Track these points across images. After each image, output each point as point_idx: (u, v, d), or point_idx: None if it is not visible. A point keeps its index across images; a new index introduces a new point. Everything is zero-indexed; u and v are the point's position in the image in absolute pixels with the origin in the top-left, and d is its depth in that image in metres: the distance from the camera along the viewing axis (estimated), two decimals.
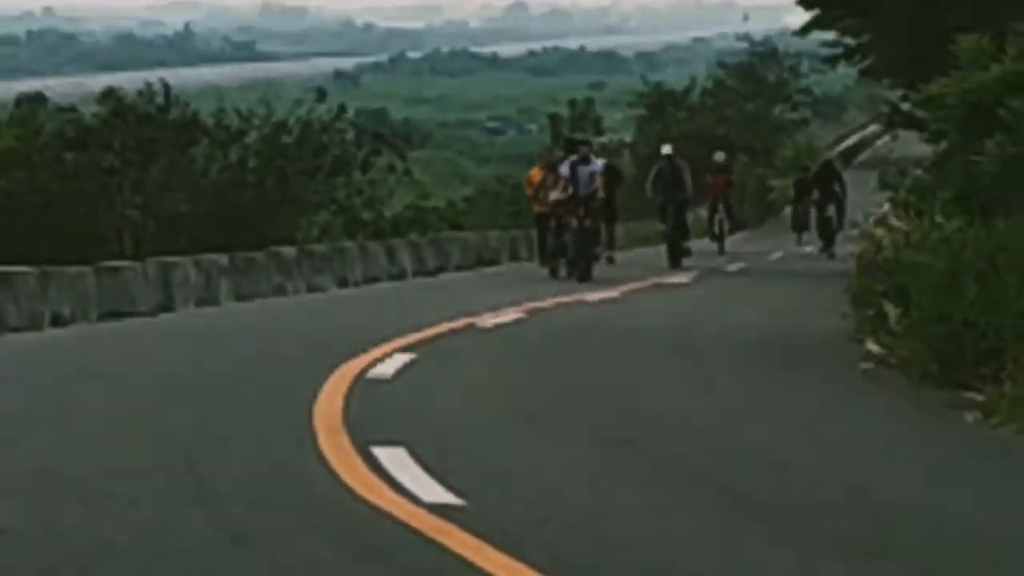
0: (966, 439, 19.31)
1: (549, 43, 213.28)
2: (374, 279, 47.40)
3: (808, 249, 49.90)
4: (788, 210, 54.83)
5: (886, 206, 37.14)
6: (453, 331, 29.47)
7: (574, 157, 42.15)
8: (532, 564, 12.28)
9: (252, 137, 56.15)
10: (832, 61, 50.16)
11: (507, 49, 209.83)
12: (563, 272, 41.68)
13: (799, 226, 51.56)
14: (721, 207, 52.45)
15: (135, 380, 25.06)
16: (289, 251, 46.95)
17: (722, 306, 36.26)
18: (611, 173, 46.36)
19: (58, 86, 73.27)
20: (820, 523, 14.96)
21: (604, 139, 51.69)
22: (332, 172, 57.98)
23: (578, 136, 44.32)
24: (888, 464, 18.28)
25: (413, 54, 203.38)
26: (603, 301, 36.50)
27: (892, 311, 25.13)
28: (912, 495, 16.32)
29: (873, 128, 66.54)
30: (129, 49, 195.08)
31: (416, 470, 15.93)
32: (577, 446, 18.72)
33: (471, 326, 30.40)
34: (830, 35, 48.16)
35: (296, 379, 22.84)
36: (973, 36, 27.27)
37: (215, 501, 15.47)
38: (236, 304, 40.15)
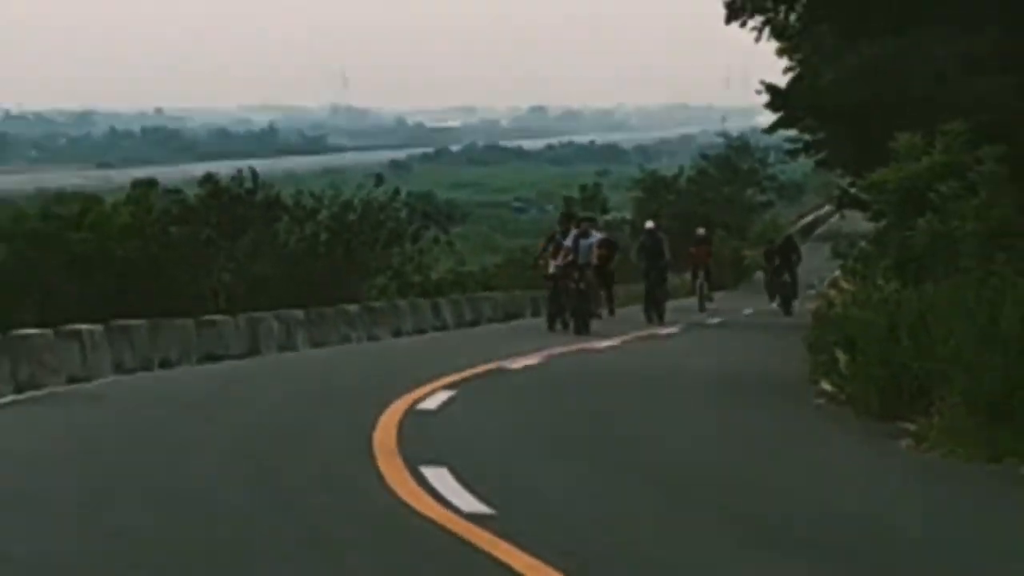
0: (900, 461, 19.30)
1: (564, 138, 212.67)
2: (421, 330, 47.41)
3: (774, 306, 49.78)
4: (759, 274, 54.41)
5: (837, 271, 37.05)
6: (486, 372, 29.47)
7: (575, 231, 41.71)
8: (549, 562, 12.35)
9: (323, 215, 56.18)
10: (794, 154, 50.10)
11: (529, 143, 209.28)
12: (559, 327, 41.07)
13: (772, 289, 51.20)
14: (702, 272, 52.51)
15: (228, 410, 25.11)
16: (353, 307, 46.99)
17: (703, 352, 36.17)
18: (609, 245, 46.51)
19: (166, 173, 73.13)
20: (775, 523, 15.08)
21: (608, 216, 51.75)
22: (388, 243, 58.05)
23: (578, 213, 43.97)
24: (835, 479, 18.40)
25: (454, 147, 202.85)
26: (607, 348, 36.50)
27: (842, 357, 25.10)
28: (852, 504, 16.39)
29: (827, 208, 66.47)
30: (224, 142, 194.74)
31: (456, 486, 15.96)
32: (586, 465, 18.75)
33: (500, 368, 30.40)
34: (792, 133, 48.04)
35: (358, 410, 22.75)
36: (908, 134, 27.37)
37: (294, 508, 15.58)
38: (311, 350, 40.18)
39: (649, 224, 49.27)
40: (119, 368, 32.64)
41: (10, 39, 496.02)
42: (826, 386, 25.56)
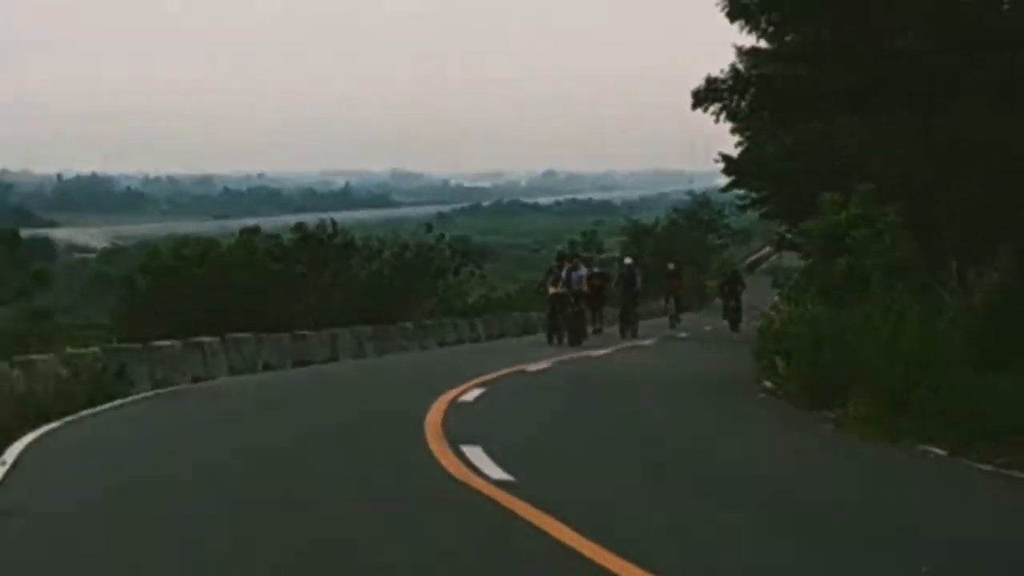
0: (824, 441, 19.31)
1: (569, 196, 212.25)
2: (460, 342, 47.43)
3: (740, 326, 49.63)
4: (717, 301, 54.27)
5: (776, 298, 37.02)
6: (509, 374, 29.51)
7: (569, 265, 41.57)
8: (555, 515, 12.32)
9: (386, 254, 56.14)
10: (743, 208, 50.03)
11: (543, 200, 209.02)
12: (555, 341, 40.28)
13: (724, 312, 51.13)
14: (673, 298, 52.50)
15: (313, 401, 25.27)
16: (409, 324, 47.12)
17: (674, 359, 36.16)
18: (603, 276, 46.42)
19: (267, 222, 73.44)
20: (724, 484, 15.08)
21: (602, 255, 51.76)
22: (435, 276, 58.00)
23: (567, 252, 43.94)
24: (767, 450, 18.55)
25: (485, 203, 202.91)
26: (601, 356, 36.49)
27: (780, 362, 25.13)
28: (785, 471, 16.45)
29: (768, 249, 66.35)
30: (310, 199, 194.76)
31: (487, 459, 15.93)
32: (587, 444, 18.75)
33: (520, 371, 30.46)
34: (742, 191, 47.98)
35: (413, 403, 22.66)
36: (830, 193, 27.42)
37: (367, 479, 15.56)
38: (376, 358, 40.26)
39: (627, 260, 49.34)
40: (232, 370, 32.87)
41: (150, 118, 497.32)
42: (768, 384, 25.61)
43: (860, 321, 22.48)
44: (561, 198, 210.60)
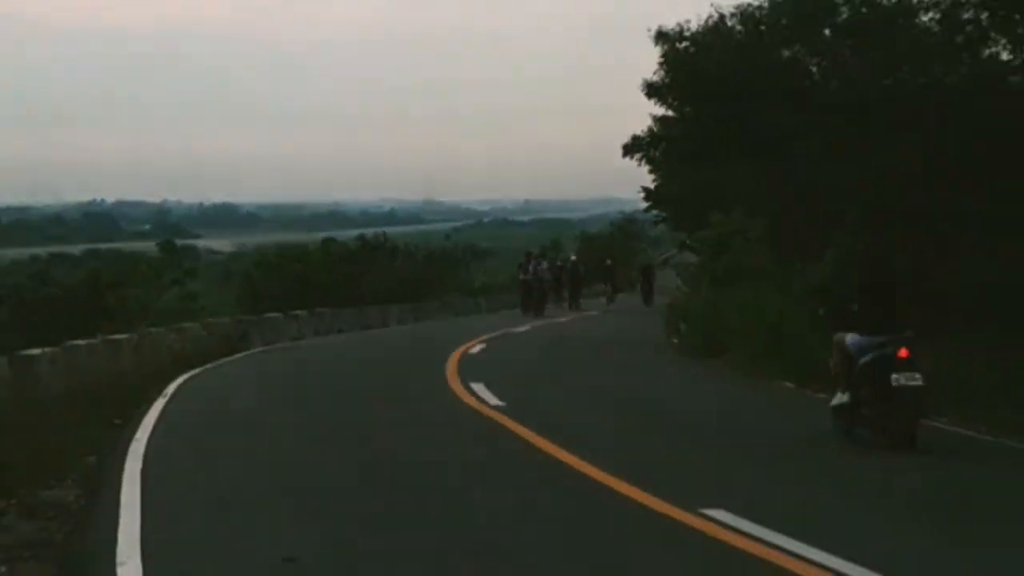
0: (713, 374, 19.34)
1: (542, 216, 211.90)
2: (469, 313, 47.37)
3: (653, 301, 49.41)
4: (638, 286, 53.83)
5: (680, 283, 37.04)
6: (503, 334, 29.54)
7: (533, 260, 40.32)
8: (534, 430, 12.38)
9: (419, 255, 56.20)
10: (657, 223, 49.95)
11: (524, 218, 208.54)
12: (525, 312, 38.86)
13: (644, 292, 50.73)
14: (610, 284, 52.38)
15: (371, 351, 25.26)
16: (436, 302, 47.21)
17: (611, 324, 36.13)
18: (562, 269, 45.78)
19: (339, 235, 73.63)
20: (636, 403, 14.99)
21: (574, 256, 51.55)
22: (452, 268, 58.17)
23: (532, 252, 43.27)
24: (678, 382, 18.30)
25: (486, 220, 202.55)
26: (564, 322, 36.36)
27: (682, 326, 25.19)
28: (678, 395, 16.32)
29: (675, 251, 66.22)
30: (368, 218, 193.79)
31: (487, 392, 15.94)
32: (552, 381, 18.64)
33: (509, 332, 30.50)
34: (656, 212, 47.88)
35: (437, 352, 22.69)
36: (717, 213, 27.40)
37: (405, 403, 15.60)
38: (414, 323, 40.27)
39: (572, 257, 49.21)
40: (316, 333, 32.87)
41: (260, 161, 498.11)
42: (674, 341, 25.64)
43: (736, 301, 22.53)
44: (537, 217, 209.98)
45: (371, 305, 40.40)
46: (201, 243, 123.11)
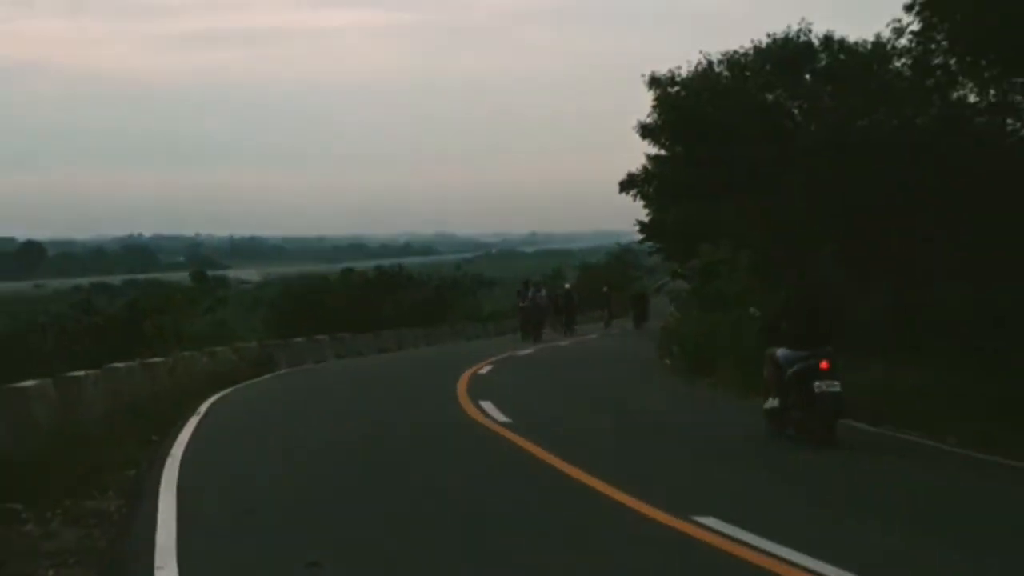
0: (703, 393, 19.30)
1: (545, 247, 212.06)
2: (478, 337, 47.15)
3: (643, 326, 49.28)
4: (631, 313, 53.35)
5: (672, 309, 37.04)
6: (508, 356, 29.54)
7: (533, 288, 39.50)
8: (540, 445, 12.38)
9: (432, 284, 56.13)
10: (651, 254, 49.88)
11: (528, 249, 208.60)
12: (524, 338, 38.15)
13: (636, 319, 50.33)
14: (607, 310, 52.25)
15: (388, 372, 25.19)
16: (447, 328, 47.15)
17: (609, 347, 36.14)
18: (558, 297, 45.51)
19: (358, 265, 73.67)
20: (631, 416, 14.98)
21: (568, 284, 51.26)
22: (462, 296, 58.04)
23: (530, 280, 42.66)
24: (667, 399, 18.35)
25: (493, 251, 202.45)
26: (565, 345, 36.36)
27: (675, 348, 25.17)
28: (666, 408, 16.28)
29: (668, 279, 66.35)
30: (386, 251, 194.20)
31: (495, 409, 15.96)
32: (557, 399, 18.63)
33: (515, 355, 30.49)
34: (651, 244, 47.78)
35: (449, 374, 22.67)
36: (706, 244, 27.42)
37: (421, 420, 15.56)
38: (427, 347, 40.25)
39: (567, 286, 49.06)
40: (337, 356, 32.80)
41: (284, 196, 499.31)
42: (667, 362, 25.62)
43: (723, 324, 22.51)
44: (540, 249, 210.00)
45: (387, 330, 40.36)
46: (231, 273, 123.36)
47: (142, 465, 11.84)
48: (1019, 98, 20.78)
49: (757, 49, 30.83)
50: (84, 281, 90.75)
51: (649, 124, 33.57)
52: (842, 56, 29.02)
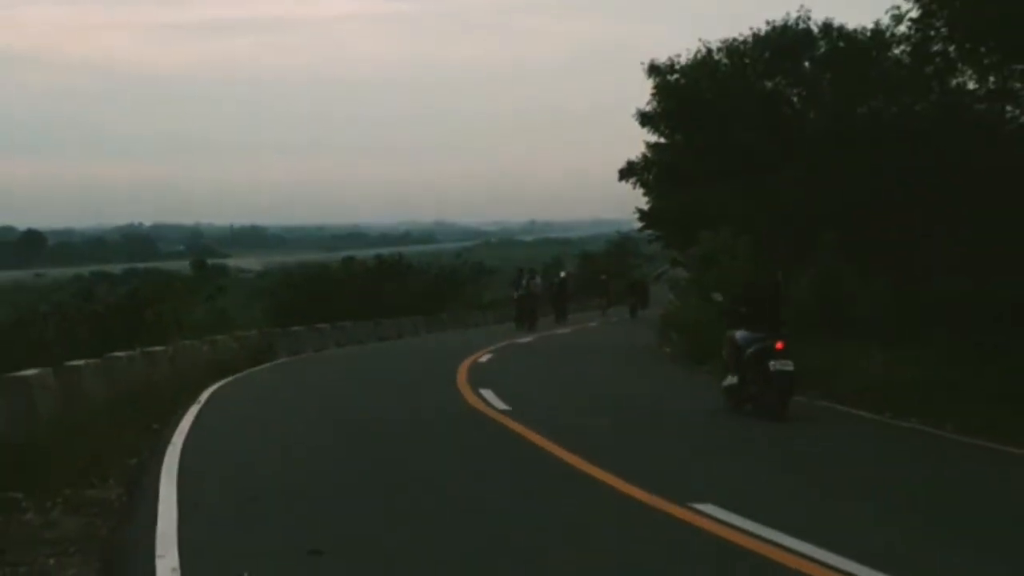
0: (702, 380, 19.23)
1: (545, 236, 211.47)
2: (478, 326, 47.08)
3: (638, 314, 49.26)
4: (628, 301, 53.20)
5: (672, 297, 37.04)
6: (508, 344, 29.58)
7: (527, 276, 39.37)
8: (536, 431, 12.43)
9: (432, 272, 55.94)
10: (651, 241, 49.82)
11: (527, 238, 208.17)
12: (520, 326, 37.88)
13: (631, 305, 50.20)
14: (605, 298, 52.26)
15: (389, 360, 25.25)
16: (446, 316, 47.10)
17: (608, 333, 36.25)
18: (554, 285, 45.32)
19: (359, 253, 73.32)
20: (627, 404, 14.89)
21: (563, 273, 51.05)
22: (462, 284, 57.79)
23: (524, 268, 42.35)
24: (665, 386, 18.39)
25: (493, 240, 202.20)
26: (565, 333, 36.51)
27: (674, 335, 25.20)
28: (677, 396, 16.26)
29: (667, 267, 66.14)
30: (385, 240, 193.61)
31: (495, 397, 16.00)
32: (555, 387, 18.66)
33: (514, 343, 30.53)
34: (650, 231, 47.74)
35: (449, 362, 22.68)
36: (705, 231, 27.37)
37: (422, 408, 15.58)
38: (427, 335, 40.23)
39: (562, 274, 48.89)
40: (337, 344, 32.84)
41: (285, 187, 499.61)
42: (667, 350, 25.67)
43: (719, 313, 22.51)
44: (540, 237, 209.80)
45: (387, 319, 40.34)
46: (231, 262, 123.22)
47: (143, 453, 11.85)
48: (1018, 85, 20.74)
49: (756, 37, 30.77)
50: (84, 270, 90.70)
51: (648, 112, 33.52)
52: (841, 43, 28.95)
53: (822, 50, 29.63)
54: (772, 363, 13.42)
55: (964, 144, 20.84)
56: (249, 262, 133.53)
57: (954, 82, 22.76)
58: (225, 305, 49.55)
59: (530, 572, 6.74)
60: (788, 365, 13.43)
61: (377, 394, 17.53)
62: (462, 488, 9.38)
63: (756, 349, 13.74)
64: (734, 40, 31.24)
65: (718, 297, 16.76)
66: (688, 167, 32.41)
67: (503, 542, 7.42)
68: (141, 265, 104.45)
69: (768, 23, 30.78)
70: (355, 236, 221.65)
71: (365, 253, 73.02)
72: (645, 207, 43.13)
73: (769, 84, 30.51)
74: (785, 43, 30.00)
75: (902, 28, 22.60)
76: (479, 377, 19.34)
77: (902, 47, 24.56)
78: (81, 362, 14.51)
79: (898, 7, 21.10)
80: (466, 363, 22.54)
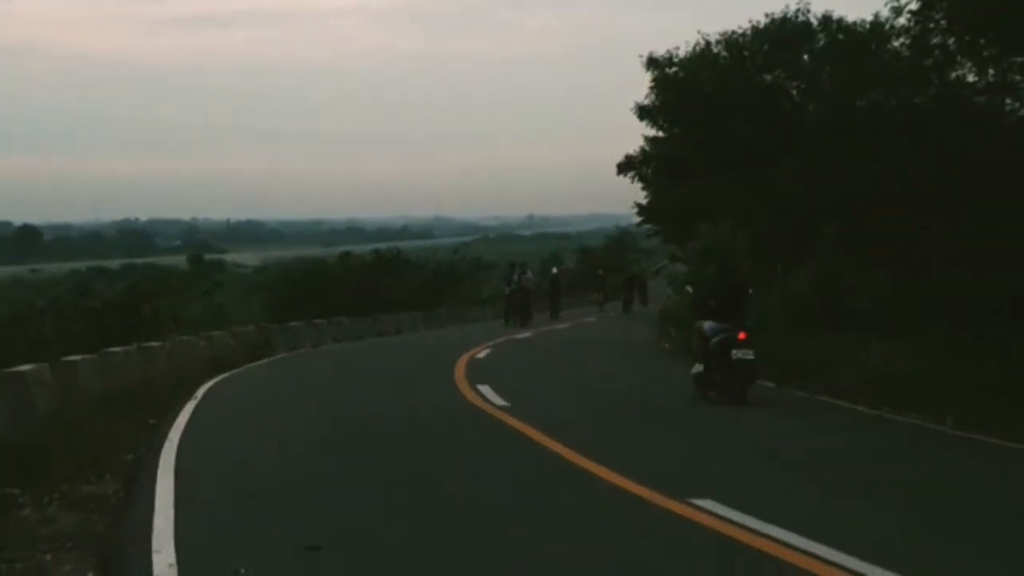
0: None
1: (543, 230, 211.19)
2: (476, 321, 46.95)
3: (633, 310, 49.10)
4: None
5: (671, 291, 37.00)
6: (506, 340, 29.57)
7: (519, 271, 38.89)
8: (534, 426, 12.44)
9: (430, 267, 55.82)
10: (649, 236, 49.72)
11: (526, 233, 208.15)
12: (510, 323, 37.42)
13: (625, 301, 50.07)
14: (602, 293, 52.22)
15: (387, 355, 25.21)
16: (444, 311, 47.02)
17: (604, 328, 36.23)
18: (546, 281, 45.06)
19: (356, 248, 73.11)
20: (628, 393, 14.93)
21: (555, 269, 50.71)
22: (460, 280, 57.69)
23: (516, 262, 42.10)
24: (666, 382, 18.05)
25: (491, 235, 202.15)
26: (563, 328, 36.48)
27: (672, 331, 25.19)
28: (675, 393, 16.03)
29: (666, 261, 66.01)
30: (383, 234, 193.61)
31: (493, 393, 15.98)
32: (553, 383, 18.66)
33: (513, 338, 30.51)
34: (649, 226, 47.72)
35: (447, 358, 22.66)
36: (704, 225, 27.35)
37: (419, 404, 15.54)
38: (425, 331, 40.18)
39: (554, 270, 48.61)
40: (334, 340, 32.76)
41: (282, 179, 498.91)
42: (665, 345, 25.66)
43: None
44: (539, 232, 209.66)
45: (385, 314, 40.30)
46: (228, 257, 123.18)
47: (140, 449, 11.85)
48: (1018, 78, 20.74)
49: (755, 29, 30.71)
50: (81, 265, 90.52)
51: (647, 105, 33.45)
52: (840, 36, 28.91)
53: (821, 43, 29.58)
54: (734, 352, 14.50)
55: (963, 137, 20.85)
56: (246, 257, 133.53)
57: (953, 75, 22.75)
58: (222, 300, 49.56)
59: (528, 568, 6.74)
60: (749, 354, 14.50)
61: (375, 390, 17.50)
62: (460, 484, 9.37)
63: (721, 339, 14.74)
64: (733, 33, 31.19)
65: (690, 290, 17.32)
66: (687, 160, 32.37)
67: (501, 538, 7.42)
68: (138, 260, 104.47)
69: (767, 15, 30.74)
70: (352, 231, 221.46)
71: (363, 248, 72.99)
72: (644, 201, 43.10)
73: (768, 77, 30.47)
74: (784, 36, 29.95)
75: (901, 20, 22.61)
76: (477, 373, 19.33)
77: (901, 40, 24.55)
78: (78, 358, 14.51)
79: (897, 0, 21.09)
80: (464, 359, 22.53)
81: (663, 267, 62.41)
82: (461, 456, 10.87)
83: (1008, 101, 21.83)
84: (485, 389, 16.41)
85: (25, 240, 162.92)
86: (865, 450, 11.51)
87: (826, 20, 29.74)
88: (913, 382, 14.70)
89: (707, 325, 15.14)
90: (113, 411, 13.69)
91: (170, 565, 6.83)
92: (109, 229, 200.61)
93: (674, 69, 32.19)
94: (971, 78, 22.31)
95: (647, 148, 37.94)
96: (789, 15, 30.25)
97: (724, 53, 31.32)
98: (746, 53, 30.83)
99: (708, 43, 31.67)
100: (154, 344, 19.66)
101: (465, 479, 9.62)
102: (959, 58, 21.49)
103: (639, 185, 40.58)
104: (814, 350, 17.80)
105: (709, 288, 15.64)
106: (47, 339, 26.31)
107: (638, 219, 45.52)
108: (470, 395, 15.95)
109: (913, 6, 20.97)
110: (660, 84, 32.31)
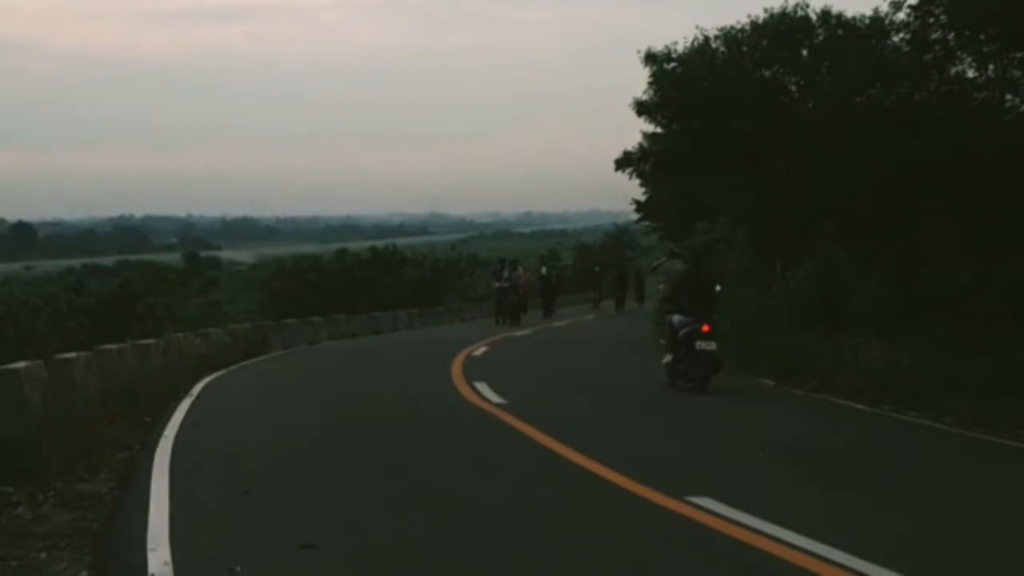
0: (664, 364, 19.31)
1: (541, 228, 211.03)
2: (473, 318, 46.97)
3: (626, 308, 48.88)
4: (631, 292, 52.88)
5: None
6: (504, 338, 29.55)
7: (509, 267, 38.29)
8: (532, 424, 12.42)
9: (426, 264, 55.77)
10: (647, 233, 49.81)
11: (524, 230, 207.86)
12: (501, 321, 36.83)
13: (618, 299, 49.89)
14: (598, 291, 52.11)
15: (383, 354, 25.07)
16: (441, 308, 47.01)
17: (601, 326, 36.19)
18: (540, 281, 45.12)
19: (352, 245, 73.18)
20: (627, 391, 14.99)
21: (544, 269, 50.63)
22: (455, 276, 57.62)
23: (507, 258, 41.71)
24: (661, 379, 18.43)
25: (488, 232, 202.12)
26: (561, 326, 36.44)
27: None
28: (665, 388, 16.04)
29: (664, 257, 65.92)
30: (379, 231, 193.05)
31: (489, 391, 15.95)
32: (550, 381, 18.64)
33: (511, 335, 30.48)
34: (647, 222, 47.77)
35: (444, 355, 22.63)
36: (702, 222, 27.39)
37: (416, 401, 15.52)
38: (422, 328, 40.16)
39: (543, 269, 48.57)
40: (330, 337, 32.75)
41: (279, 176, 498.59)
42: (662, 341, 25.58)
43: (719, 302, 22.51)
44: (536, 229, 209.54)
45: (382, 311, 40.27)
46: (223, 255, 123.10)
47: (135, 447, 11.84)
48: (1018, 73, 20.76)
49: (754, 24, 30.73)
50: (75, 262, 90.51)
51: (645, 101, 33.45)
52: (840, 31, 28.92)
53: (820, 38, 29.60)
54: (698, 343, 15.68)
55: (964, 133, 20.86)
56: (241, 254, 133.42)
57: (953, 70, 22.78)
58: (218, 297, 49.55)
59: (526, 565, 6.75)
60: (711, 345, 15.68)
61: (371, 388, 17.49)
62: (456, 482, 9.37)
63: (687, 331, 15.93)
64: (731, 28, 31.21)
65: (660, 285, 18.34)
66: (685, 156, 32.39)
67: (499, 536, 7.43)
68: (133, 257, 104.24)
69: (766, 11, 30.75)
70: (349, 227, 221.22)
71: (359, 245, 72.94)
72: (642, 198, 43.11)
73: (767, 72, 30.49)
74: (783, 31, 29.97)
75: (901, 16, 22.63)
76: (474, 370, 19.31)
77: (901, 35, 24.58)
78: (72, 355, 14.49)
79: None
80: (461, 356, 22.52)
81: (661, 264, 62.44)
82: (458, 454, 10.87)
83: (1008, 97, 21.86)
84: (482, 387, 16.40)
85: (19, 237, 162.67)
86: (864, 448, 11.51)
87: (825, 15, 29.76)
88: (912, 380, 14.70)
89: (676, 318, 16.31)
90: (108, 408, 13.69)
91: (165, 563, 6.83)
92: (104, 226, 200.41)
93: (673, 65, 32.19)
94: (971, 74, 22.34)
95: (645, 144, 37.95)
96: (788, 10, 30.28)
97: (723, 48, 31.34)
98: (745, 48, 30.85)
99: (707, 38, 31.70)
100: (149, 341, 19.64)
101: (462, 477, 9.62)
102: (959, 53, 21.51)
103: (637, 182, 40.64)
104: (813, 348, 17.79)
105: (680, 284, 16.79)
106: (42, 336, 26.28)
107: (636, 216, 45.50)
108: (467, 393, 15.94)
109: (913, 1, 20.98)
110: (659, 80, 32.31)
